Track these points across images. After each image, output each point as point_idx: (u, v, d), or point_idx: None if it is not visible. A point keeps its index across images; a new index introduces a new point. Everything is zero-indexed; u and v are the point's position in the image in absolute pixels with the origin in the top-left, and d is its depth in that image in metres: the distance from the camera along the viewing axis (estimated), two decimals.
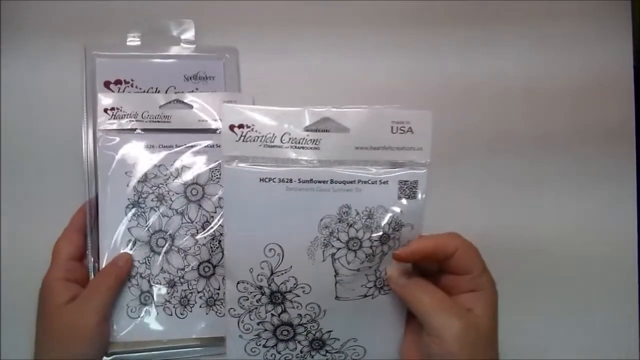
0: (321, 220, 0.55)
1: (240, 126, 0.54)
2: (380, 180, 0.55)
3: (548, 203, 0.70)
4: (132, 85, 0.69)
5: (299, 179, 0.55)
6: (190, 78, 0.70)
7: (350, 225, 0.55)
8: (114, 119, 0.66)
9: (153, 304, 0.64)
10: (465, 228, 0.67)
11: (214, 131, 0.67)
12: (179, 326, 0.64)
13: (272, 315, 0.57)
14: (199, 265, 0.65)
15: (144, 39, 0.70)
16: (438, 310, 0.52)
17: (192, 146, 0.66)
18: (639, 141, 0.72)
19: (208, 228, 0.66)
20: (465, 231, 0.67)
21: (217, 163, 0.66)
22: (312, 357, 0.59)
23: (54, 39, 0.70)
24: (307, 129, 0.55)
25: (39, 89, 0.69)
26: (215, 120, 0.67)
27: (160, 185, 0.65)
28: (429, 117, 0.55)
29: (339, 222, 0.55)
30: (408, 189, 0.55)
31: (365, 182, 0.55)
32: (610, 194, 0.71)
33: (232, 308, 0.57)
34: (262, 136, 0.54)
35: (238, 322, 0.58)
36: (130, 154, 0.66)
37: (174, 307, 0.64)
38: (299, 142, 0.55)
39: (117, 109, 0.67)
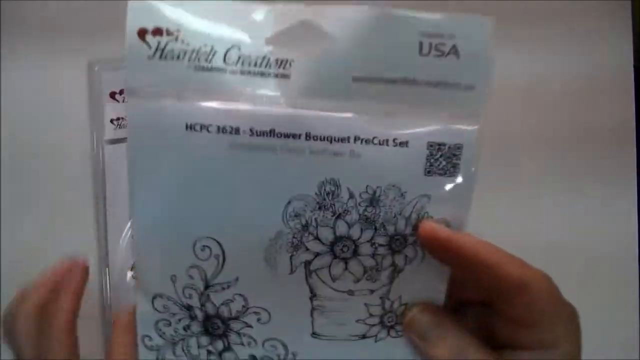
0: (288, 203, 0.34)
1: (157, 32, 0.31)
2: (394, 140, 0.33)
3: (547, 203, 0.71)
4: None
5: (251, 130, 0.32)
6: None
7: (339, 216, 0.34)
8: (120, 128, 0.68)
9: None
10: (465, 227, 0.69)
11: None
12: None
13: (210, 353, 0.37)
14: None
15: None
16: None
17: None
18: (639, 141, 0.71)
19: None
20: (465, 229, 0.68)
21: None
22: None
23: (54, 44, 0.71)
24: (270, 42, 0.32)
25: (43, 98, 0.71)
26: None
27: None
28: (488, 28, 0.35)
29: (319, 209, 0.34)
30: (444, 159, 0.33)
31: (367, 140, 0.33)
32: (610, 194, 0.71)
33: (146, 335, 0.37)
34: (193, 51, 0.32)
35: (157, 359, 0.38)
36: None
37: None
38: (256, 64, 0.32)
39: (123, 118, 0.68)
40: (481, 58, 0.34)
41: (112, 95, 0.70)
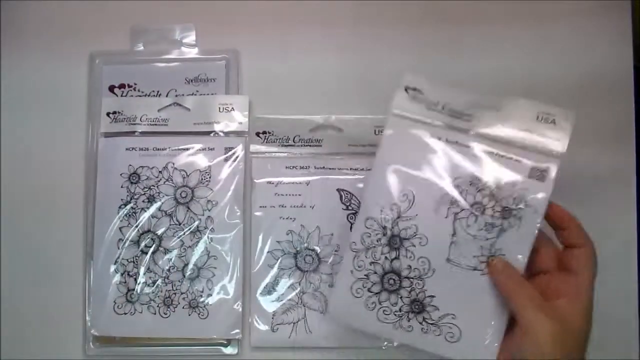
0: (455, 179, 0.58)
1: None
2: (514, 158, 0.57)
3: None
4: (134, 89, 0.71)
5: (446, 139, 0.58)
6: (191, 81, 0.71)
7: (479, 190, 0.57)
8: (115, 122, 0.68)
9: (138, 302, 0.65)
10: None
11: (207, 134, 0.68)
12: (162, 325, 0.65)
13: (386, 258, 0.59)
14: (183, 267, 0.66)
15: (147, 43, 0.71)
16: (535, 308, 0.53)
17: (185, 149, 0.68)
18: (639, 141, 0.70)
19: (195, 230, 0.67)
20: None
21: (207, 166, 0.67)
22: (409, 320, 0.59)
23: (54, 41, 0.73)
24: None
25: (41, 91, 0.72)
26: (209, 123, 0.68)
27: (151, 187, 0.67)
28: (572, 116, 0.57)
29: (470, 184, 0.57)
30: (539, 172, 0.57)
31: (500, 156, 0.58)
32: (610, 194, 0.70)
33: (353, 242, 0.59)
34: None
35: (354, 258, 0.59)
36: (126, 156, 0.68)
37: (157, 306, 0.65)
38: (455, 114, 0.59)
39: (119, 112, 0.69)
40: (566, 127, 0.57)
41: (111, 88, 0.71)
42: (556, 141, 0.57)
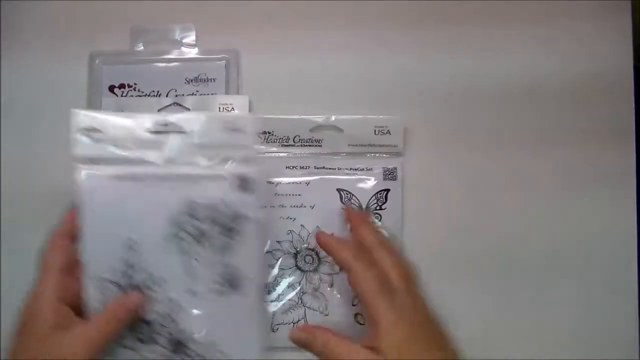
0: (170, 214, 0.56)
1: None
2: (217, 175, 0.57)
3: (547, 203, 0.69)
4: (134, 89, 0.71)
5: (146, 176, 0.57)
6: (191, 81, 0.71)
7: (197, 218, 0.57)
8: None
9: None
10: (464, 228, 0.69)
11: None
12: None
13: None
14: None
15: (147, 43, 0.72)
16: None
17: None
18: (639, 141, 0.70)
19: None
20: (465, 230, 0.69)
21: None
22: None
23: (54, 41, 0.73)
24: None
25: (41, 91, 0.72)
26: None
27: None
28: (255, 121, 0.59)
29: (186, 215, 0.57)
30: (242, 182, 0.56)
31: (204, 176, 0.57)
32: (610, 194, 0.69)
33: (92, 308, 0.56)
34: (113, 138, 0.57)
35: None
36: None
37: None
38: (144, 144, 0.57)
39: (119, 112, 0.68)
40: (252, 133, 0.58)
41: (111, 88, 0.71)
42: (246, 149, 0.58)
